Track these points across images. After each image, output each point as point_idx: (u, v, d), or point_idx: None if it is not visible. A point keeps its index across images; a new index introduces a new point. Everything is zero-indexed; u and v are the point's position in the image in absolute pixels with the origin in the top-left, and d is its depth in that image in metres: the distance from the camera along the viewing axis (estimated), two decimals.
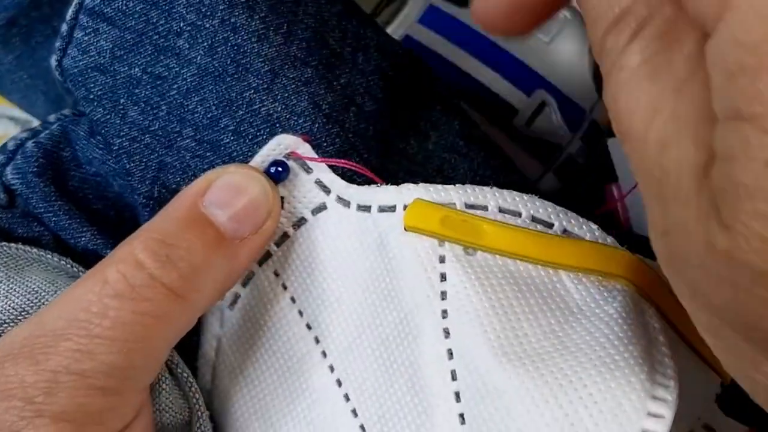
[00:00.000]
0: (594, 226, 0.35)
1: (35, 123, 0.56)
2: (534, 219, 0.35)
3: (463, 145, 0.39)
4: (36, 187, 0.40)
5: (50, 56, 0.45)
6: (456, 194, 0.35)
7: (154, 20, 0.38)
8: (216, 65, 0.37)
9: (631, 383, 0.29)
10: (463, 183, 0.35)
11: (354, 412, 0.36)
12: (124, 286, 0.32)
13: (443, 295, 0.33)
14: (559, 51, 0.54)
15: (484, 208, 0.35)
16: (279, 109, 0.37)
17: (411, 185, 0.35)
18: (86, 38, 0.39)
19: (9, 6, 0.45)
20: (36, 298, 0.36)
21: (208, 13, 0.37)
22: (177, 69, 0.37)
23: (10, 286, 0.36)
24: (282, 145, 0.36)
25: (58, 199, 0.40)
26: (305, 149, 0.36)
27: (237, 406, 0.40)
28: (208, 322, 0.40)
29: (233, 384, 0.40)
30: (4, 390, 0.31)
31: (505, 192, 0.35)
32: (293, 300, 0.38)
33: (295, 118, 0.37)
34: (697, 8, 0.18)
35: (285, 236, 0.38)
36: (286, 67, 0.37)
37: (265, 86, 0.37)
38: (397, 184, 0.36)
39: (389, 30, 0.54)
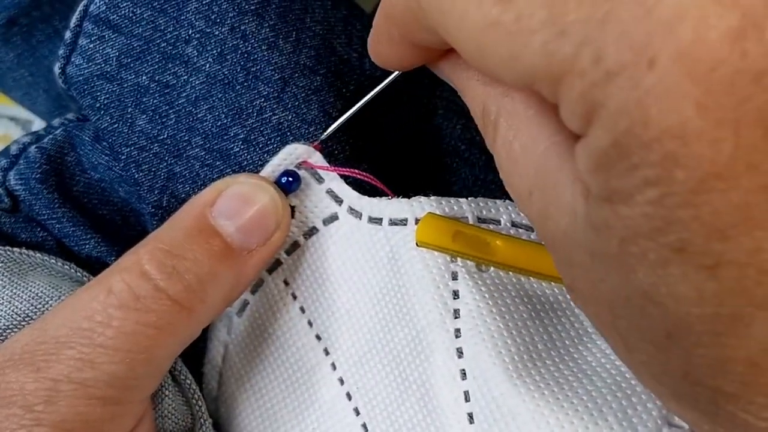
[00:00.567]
0: None
1: (36, 123, 0.56)
2: None
3: (464, 149, 0.39)
4: (39, 193, 0.39)
5: (51, 55, 0.46)
6: (468, 207, 0.34)
7: (162, 27, 0.37)
8: (225, 73, 0.36)
9: (648, 409, 0.29)
10: (465, 186, 0.35)
11: (364, 427, 0.36)
12: (128, 296, 0.32)
13: (456, 314, 0.33)
14: None
15: (497, 221, 0.34)
16: (289, 117, 0.36)
17: (422, 198, 0.34)
18: (91, 46, 0.38)
19: (9, 5, 0.45)
20: (39, 303, 0.35)
21: (218, 20, 0.36)
22: (185, 77, 0.37)
23: (14, 290, 0.35)
24: (293, 154, 0.35)
25: (61, 206, 0.39)
26: (317, 158, 0.35)
27: (244, 414, 0.39)
28: (215, 328, 0.40)
29: (240, 392, 0.39)
30: (4, 396, 0.30)
31: None
32: (303, 310, 0.38)
33: (306, 126, 0.36)
34: (567, 120, 0.20)
35: (296, 245, 0.37)
36: (296, 75, 0.36)
37: (276, 94, 0.36)
38: (402, 191, 0.35)
39: None
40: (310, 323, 0.37)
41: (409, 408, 0.34)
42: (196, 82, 0.37)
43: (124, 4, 0.37)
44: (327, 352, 0.37)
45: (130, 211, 0.40)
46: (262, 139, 0.36)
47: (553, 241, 0.24)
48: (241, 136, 0.36)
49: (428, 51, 0.28)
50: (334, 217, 0.36)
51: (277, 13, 0.36)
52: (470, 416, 0.32)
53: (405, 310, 0.34)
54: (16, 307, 0.35)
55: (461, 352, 0.32)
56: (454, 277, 0.33)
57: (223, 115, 0.36)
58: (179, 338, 0.34)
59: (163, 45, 0.37)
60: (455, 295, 0.33)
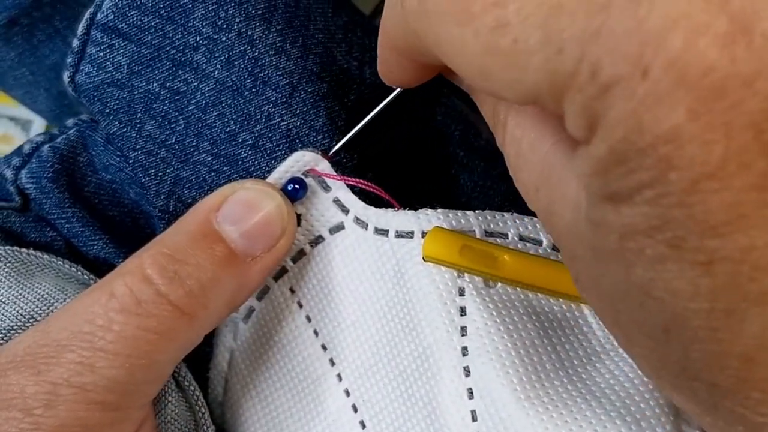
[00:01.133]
0: None
1: (36, 123, 0.56)
2: (555, 247, 0.33)
3: (463, 156, 0.39)
4: (50, 193, 0.39)
5: (52, 54, 0.46)
6: (475, 221, 0.33)
7: (170, 35, 0.36)
8: (234, 79, 0.36)
9: None
10: (464, 192, 0.35)
11: None
12: (130, 300, 0.31)
13: (463, 331, 0.32)
14: None
15: (504, 235, 0.33)
16: (298, 124, 0.35)
17: (429, 210, 0.33)
18: (101, 54, 0.37)
19: (10, 6, 0.44)
20: (45, 305, 0.35)
21: (224, 26, 0.36)
22: (195, 83, 0.36)
23: (20, 291, 0.35)
24: (301, 161, 0.35)
25: (71, 206, 0.39)
26: (324, 166, 0.34)
27: (250, 421, 0.39)
28: (221, 333, 0.39)
29: (246, 399, 0.39)
30: (4, 399, 0.30)
31: (526, 219, 0.34)
32: (309, 319, 0.37)
33: (314, 134, 0.35)
34: (572, 130, 0.21)
35: (301, 253, 0.36)
36: (304, 81, 0.35)
37: (284, 100, 0.35)
38: (403, 199, 0.35)
39: None
40: (316, 333, 0.37)
41: (415, 425, 0.33)
42: (206, 89, 0.36)
43: (132, 13, 0.36)
44: (333, 363, 0.36)
45: (140, 213, 0.40)
46: (271, 145, 0.35)
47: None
48: (249, 142, 0.36)
49: (437, 67, 0.29)
50: (340, 227, 0.35)
51: (284, 18, 0.36)
52: (473, 413, 0.32)
53: (411, 325, 0.34)
54: (22, 308, 0.34)
55: (468, 371, 0.32)
56: (461, 293, 0.32)
57: (232, 122, 0.36)
58: (180, 344, 0.33)
59: (172, 52, 0.36)
60: (462, 311, 0.32)
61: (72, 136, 0.40)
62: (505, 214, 0.34)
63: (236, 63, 0.35)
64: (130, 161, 0.37)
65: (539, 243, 0.33)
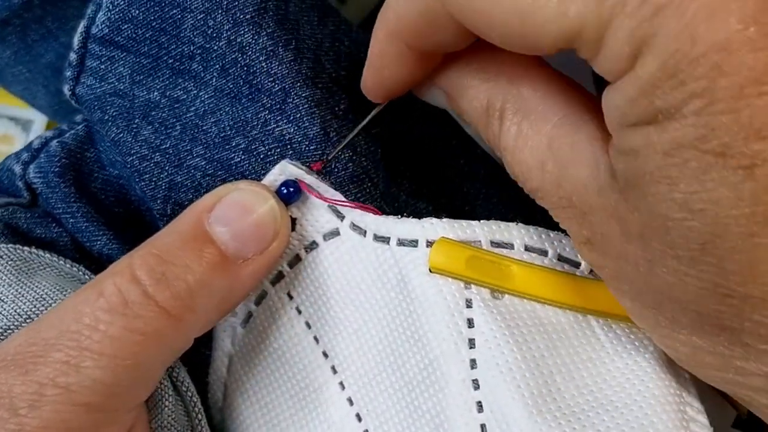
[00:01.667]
0: None
1: (36, 123, 0.57)
2: (560, 258, 0.33)
3: (464, 164, 0.39)
4: (57, 187, 0.38)
5: (47, 53, 0.46)
6: (481, 231, 0.32)
7: (166, 45, 0.36)
8: (231, 86, 0.35)
9: None
10: (468, 201, 0.37)
11: None
12: (118, 300, 0.31)
13: (471, 344, 0.31)
14: (561, 55, 0.56)
15: (510, 246, 0.33)
16: (291, 130, 0.34)
17: (434, 219, 0.33)
18: (103, 66, 0.37)
19: (1, 8, 0.45)
20: (42, 305, 0.34)
21: (214, 34, 0.35)
22: (195, 91, 0.36)
23: (19, 290, 0.35)
24: (284, 174, 0.34)
25: (77, 201, 0.38)
26: (310, 180, 0.34)
27: (251, 429, 0.38)
28: (219, 338, 0.38)
29: (246, 405, 0.38)
30: None
31: (531, 229, 0.33)
32: (308, 325, 0.36)
33: (307, 143, 0.34)
34: (610, 62, 0.23)
35: (297, 258, 0.36)
36: (298, 85, 0.35)
37: (278, 106, 0.34)
38: (400, 207, 0.36)
39: None
40: (316, 339, 0.36)
41: (421, 427, 0.33)
42: (205, 96, 0.36)
43: (125, 26, 0.36)
44: (335, 371, 0.35)
45: (146, 210, 0.39)
46: (263, 149, 0.35)
47: (567, 201, 0.26)
48: (242, 146, 0.35)
49: (432, 60, 0.30)
50: (335, 233, 0.35)
51: (275, 21, 0.35)
52: (482, 427, 0.31)
53: (417, 336, 0.33)
54: (19, 308, 0.34)
55: (477, 384, 0.31)
56: (469, 304, 0.32)
57: (228, 128, 0.35)
58: (167, 346, 0.33)
59: (170, 61, 0.36)
60: (470, 323, 0.32)
61: (81, 131, 0.40)
62: (510, 224, 0.33)
63: (230, 71, 0.35)
64: (127, 166, 0.37)
65: (545, 253, 0.32)
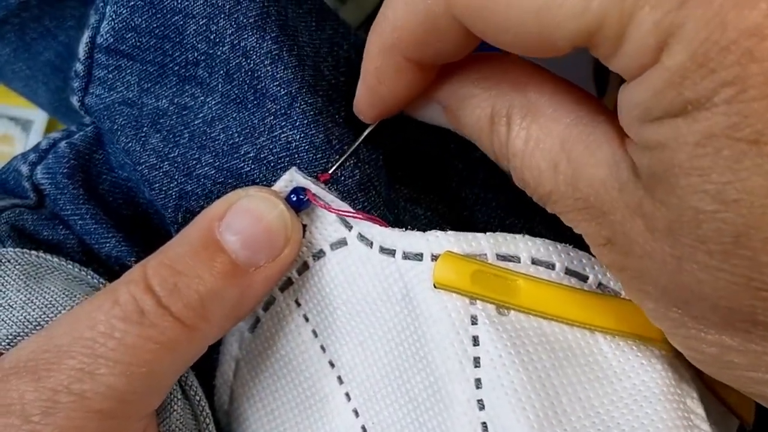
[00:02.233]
0: None
1: (36, 123, 0.57)
2: (568, 271, 0.32)
3: (462, 168, 0.38)
4: (65, 189, 0.38)
5: (46, 51, 0.47)
6: (487, 244, 0.32)
7: (170, 52, 0.36)
8: (236, 92, 0.35)
9: None
10: (467, 206, 0.37)
11: None
12: (133, 309, 0.31)
13: (476, 362, 0.31)
14: (554, 61, 0.57)
15: (517, 259, 0.32)
16: (297, 137, 0.34)
17: (439, 232, 0.32)
18: (110, 75, 0.37)
19: None
20: (52, 312, 0.34)
21: (217, 40, 0.35)
22: (202, 98, 0.36)
23: (28, 296, 0.35)
24: (293, 182, 0.34)
25: (86, 203, 0.38)
26: (317, 190, 0.34)
27: None
28: (227, 342, 0.38)
29: (252, 410, 0.38)
30: (4, 404, 0.30)
31: (539, 241, 0.33)
32: (315, 334, 0.36)
33: (314, 151, 0.34)
34: (632, 57, 0.22)
35: (306, 266, 0.36)
36: (303, 90, 0.34)
37: (284, 111, 0.34)
38: (400, 213, 0.36)
39: None
40: (323, 348, 0.36)
41: None
42: (213, 103, 0.35)
43: (129, 35, 0.36)
44: (341, 381, 0.35)
45: (154, 213, 0.39)
46: (272, 157, 0.34)
47: (584, 201, 0.26)
48: (251, 155, 0.35)
49: (429, 73, 0.30)
50: (342, 242, 0.34)
51: (278, 25, 0.34)
52: None
53: (422, 353, 0.33)
54: (29, 314, 0.34)
55: (483, 404, 0.31)
56: (474, 321, 0.31)
57: (236, 134, 0.35)
58: (181, 355, 0.33)
59: (176, 68, 0.36)
60: (475, 341, 0.31)
61: (90, 133, 0.40)
62: (517, 236, 0.32)
63: (235, 76, 0.34)
64: (137, 175, 0.37)
65: (552, 266, 0.32)
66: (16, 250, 0.36)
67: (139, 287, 0.32)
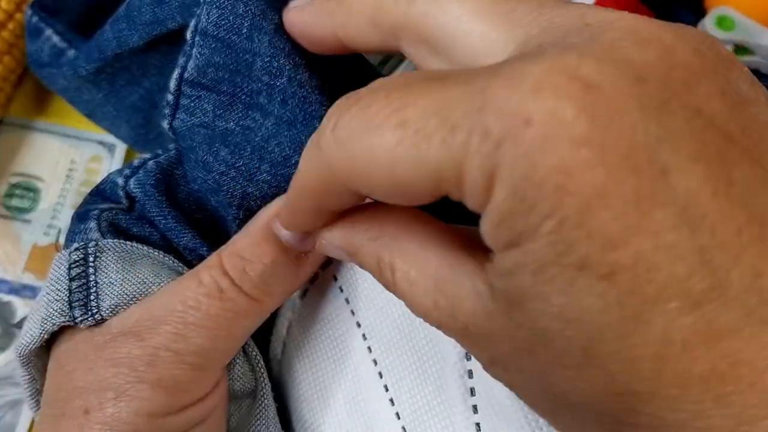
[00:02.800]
0: None
1: (119, 147, 0.61)
2: None
3: None
4: (152, 196, 0.42)
5: (131, 96, 0.50)
6: None
7: (240, 84, 0.39)
8: (289, 114, 0.38)
9: None
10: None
11: (391, 401, 0.38)
12: (213, 287, 0.35)
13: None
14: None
15: None
16: None
17: None
18: (192, 104, 0.40)
19: (97, 59, 0.48)
20: (144, 287, 0.37)
21: (278, 73, 0.38)
22: (261, 120, 0.39)
23: (125, 276, 0.38)
24: None
25: (168, 207, 0.42)
26: None
27: (299, 377, 0.42)
28: (284, 307, 0.42)
29: (298, 359, 0.42)
30: (115, 358, 0.34)
31: None
32: (347, 301, 0.40)
33: None
34: (472, 197, 0.22)
35: None
36: None
37: None
38: None
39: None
40: (352, 312, 0.39)
41: (426, 386, 0.36)
42: (269, 124, 0.39)
43: (209, 70, 0.40)
44: (365, 338, 0.39)
45: (218, 218, 0.43)
46: None
47: (465, 329, 0.25)
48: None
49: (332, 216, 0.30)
50: None
51: (324, 64, 0.38)
52: (474, 407, 0.34)
53: None
54: (126, 289, 0.37)
55: (468, 356, 0.34)
56: None
57: (287, 148, 0.39)
58: (250, 321, 0.37)
59: (243, 97, 0.39)
60: None
61: (172, 154, 0.43)
62: None
63: (289, 102, 0.38)
64: (208, 180, 0.40)
65: None
66: (114, 240, 0.39)
67: (217, 271, 0.35)
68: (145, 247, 0.40)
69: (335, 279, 0.40)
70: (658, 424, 0.21)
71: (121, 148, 0.63)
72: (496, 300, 0.23)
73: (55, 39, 0.55)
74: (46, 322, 0.36)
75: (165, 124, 0.42)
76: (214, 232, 0.43)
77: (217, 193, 0.41)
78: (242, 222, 0.39)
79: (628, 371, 0.21)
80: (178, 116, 0.41)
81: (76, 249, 0.38)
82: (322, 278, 0.41)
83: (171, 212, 0.42)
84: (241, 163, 0.40)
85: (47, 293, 0.37)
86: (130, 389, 0.33)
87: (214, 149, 0.40)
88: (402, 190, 0.23)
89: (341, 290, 0.40)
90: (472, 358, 0.33)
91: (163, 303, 0.35)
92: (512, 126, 0.20)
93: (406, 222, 0.28)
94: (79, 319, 0.36)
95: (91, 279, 0.37)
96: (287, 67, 0.39)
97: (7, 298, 0.59)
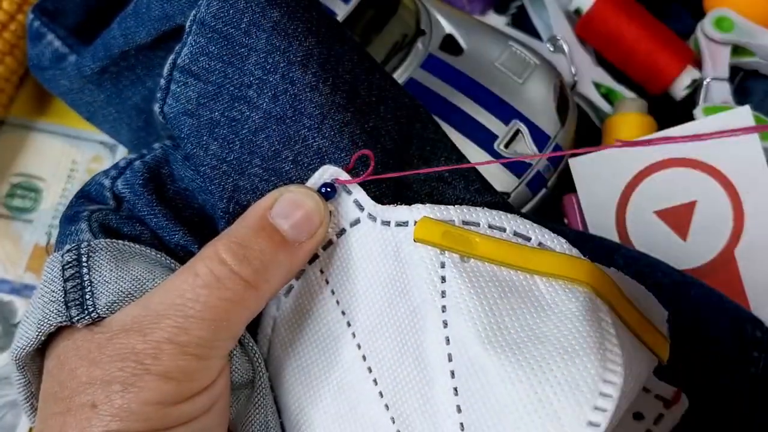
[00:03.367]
0: (563, 240, 0.36)
1: (120, 147, 0.61)
2: (516, 233, 0.37)
3: (447, 176, 0.41)
4: (141, 195, 0.42)
5: (134, 97, 0.50)
6: (455, 212, 0.37)
7: (230, 76, 0.40)
8: (278, 110, 0.39)
9: (587, 368, 0.31)
10: (450, 204, 0.38)
11: (375, 382, 0.38)
12: (210, 278, 0.35)
13: (443, 294, 0.35)
14: (530, 90, 0.59)
15: (477, 224, 0.37)
16: (326, 144, 0.38)
17: (420, 205, 0.37)
18: (178, 90, 0.41)
19: (103, 57, 0.48)
20: (138, 284, 0.37)
21: (272, 69, 0.39)
22: (248, 113, 0.39)
23: (119, 273, 0.38)
24: (326, 174, 0.38)
25: (158, 205, 0.42)
26: (344, 176, 0.38)
27: (286, 372, 0.42)
28: (269, 306, 0.42)
29: (284, 355, 0.42)
30: (120, 353, 0.34)
31: (494, 212, 0.37)
32: (333, 292, 0.40)
33: (339, 152, 0.39)
34: None
35: (330, 243, 0.40)
36: (332, 111, 0.38)
37: (317, 126, 0.38)
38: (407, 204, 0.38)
39: (398, 73, 0.59)
40: (338, 302, 0.40)
41: (407, 365, 0.37)
42: (256, 117, 0.39)
43: (202, 59, 0.40)
44: (349, 324, 0.40)
45: (204, 215, 0.43)
46: (307, 160, 0.39)
47: None
48: (290, 158, 0.39)
49: None
50: (357, 221, 0.39)
51: (318, 63, 0.39)
52: (452, 372, 0.35)
53: (405, 290, 0.37)
54: (121, 286, 0.37)
55: (446, 323, 0.35)
56: (443, 265, 0.36)
57: (277, 142, 0.39)
58: (249, 310, 0.37)
59: (231, 89, 0.40)
60: (443, 279, 0.36)
61: (158, 154, 0.44)
62: (477, 208, 0.37)
63: (280, 98, 0.39)
64: (200, 174, 0.40)
65: (503, 230, 0.37)
66: (106, 240, 0.39)
67: (213, 261, 0.35)
68: (138, 246, 0.40)
69: (321, 272, 0.41)
70: None
71: (122, 147, 0.64)
72: None
73: (57, 44, 0.55)
74: (42, 323, 0.36)
75: (156, 109, 0.43)
76: (201, 230, 0.43)
77: (210, 186, 0.41)
78: (231, 216, 0.40)
79: None
80: (168, 101, 0.42)
81: (69, 250, 0.38)
82: (308, 273, 0.41)
83: (161, 210, 0.42)
84: (232, 158, 0.40)
85: (41, 296, 0.37)
86: (138, 381, 0.33)
87: (204, 143, 0.41)
88: None
89: (327, 282, 0.41)
90: (450, 324, 0.35)
91: (161, 298, 0.35)
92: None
93: None
94: (76, 318, 0.36)
95: (85, 278, 0.37)
96: (282, 65, 0.39)
97: (8, 297, 0.59)
